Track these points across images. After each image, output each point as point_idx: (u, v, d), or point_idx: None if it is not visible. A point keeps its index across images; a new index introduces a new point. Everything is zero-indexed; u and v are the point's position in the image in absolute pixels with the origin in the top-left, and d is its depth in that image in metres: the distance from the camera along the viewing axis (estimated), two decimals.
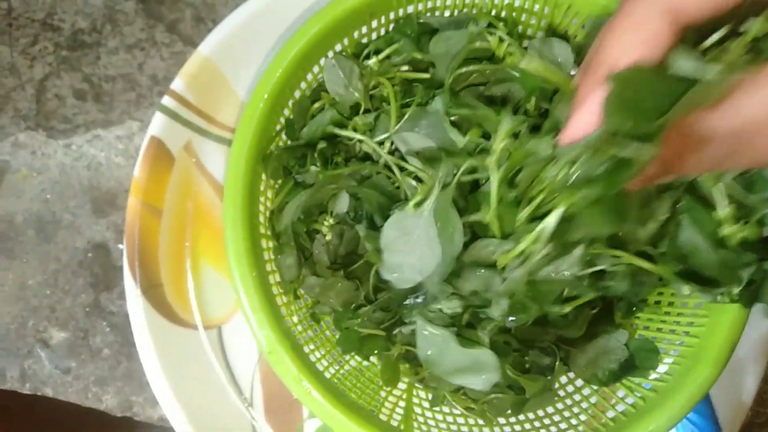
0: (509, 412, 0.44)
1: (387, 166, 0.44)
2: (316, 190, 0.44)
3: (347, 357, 0.48)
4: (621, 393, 0.42)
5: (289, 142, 0.46)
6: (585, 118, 0.22)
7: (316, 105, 0.46)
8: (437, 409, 0.46)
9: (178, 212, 0.53)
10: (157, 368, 0.50)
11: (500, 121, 0.32)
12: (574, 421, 0.43)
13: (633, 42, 0.20)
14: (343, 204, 0.46)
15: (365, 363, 0.48)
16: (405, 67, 0.46)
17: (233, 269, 0.41)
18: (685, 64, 0.21)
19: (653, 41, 0.20)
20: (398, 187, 0.44)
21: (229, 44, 0.53)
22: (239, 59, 0.54)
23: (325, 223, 0.44)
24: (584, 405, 0.44)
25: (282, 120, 0.46)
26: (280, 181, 0.46)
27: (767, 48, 0.22)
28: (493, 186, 0.32)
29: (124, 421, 0.56)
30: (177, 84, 0.53)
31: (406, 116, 0.42)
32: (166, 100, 0.53)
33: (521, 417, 0.45)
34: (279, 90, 0.43)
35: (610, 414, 0.42)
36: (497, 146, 0.32)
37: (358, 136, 0.44)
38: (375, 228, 0.42)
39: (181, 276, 0.53)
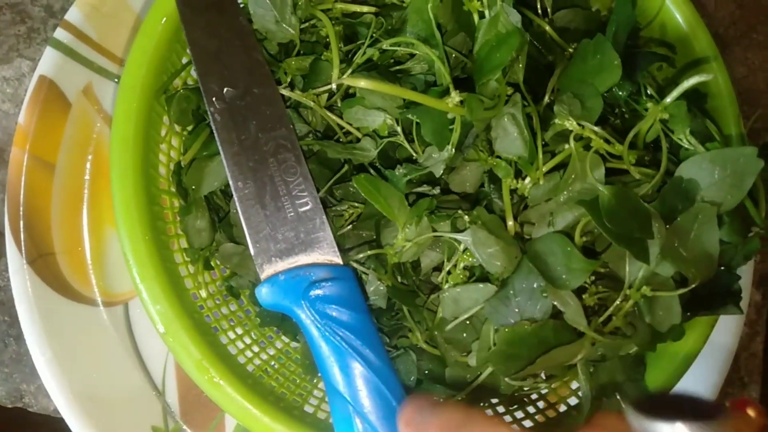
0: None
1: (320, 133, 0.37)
2: None
3: (271, 337, 0.41)
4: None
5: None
6: None
7: None
8: None
9: (76, 168, 0.45)
10: (46, 351, 0.42)
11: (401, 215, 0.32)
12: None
13: None
14: None
15: (294, 344, 0.41)
16: None
17: (121, 229, 0.33)
18: None
19: None
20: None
21: None
22: None
23: None
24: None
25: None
26: (189, 128, 0.38)
27: None
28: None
29: (15, 413, 0.48)
30: (73, 14, 0.44)
31: (348, 72, 0.33)
32: (60, 34, 0.44)
33: None
34: None
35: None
36: (399, 242, 0.32)
37: (293, 96, 0.36)
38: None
39: (79, 243, 0.45)
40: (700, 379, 0.45)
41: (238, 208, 0.32)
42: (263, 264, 0.32)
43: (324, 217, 0.33)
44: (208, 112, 0.33)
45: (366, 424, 0.29)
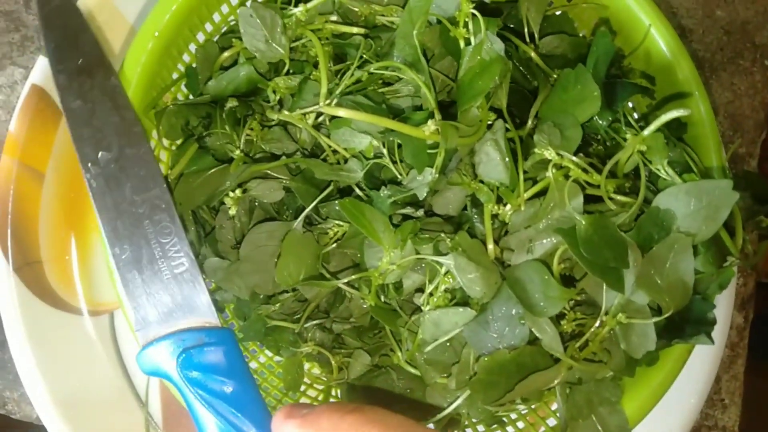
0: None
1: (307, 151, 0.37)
2: (237, 176, 0.37)
3: (255, 351, 0.41)
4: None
5: (190, 97, 0.39)
6: None
7: (227, 54, 0.39)
8: None
9: (65, 177, 0.45)
10: (30, 359, 0.43)
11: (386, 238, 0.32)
12: None
13: None
14: (274, 197, 0.38)
15: (277, 359, 0.42)
16: (334, 17, 0.39)
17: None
18: None
19: None
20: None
21: None
22: None
23: (231, 195, 0.37)
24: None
25: (181, 67, 0.38)
26: (178, 142, 0.39)
27: None
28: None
29: None
30: None
31: (336, 93, 0.34)
32: None
33: None
34: (174, 28, 0.35)
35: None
36: (383, 265, 0.33)
37: (281, 117, 0.36)
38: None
39: (66, 252, 0.45)
40: (678, 402, 0.46)
41: (117, 277, 0.32)
42: (141, 330, 0.32)
43: (200, 277, 0.33)
44: (85, 179, 0.33)
45: None
